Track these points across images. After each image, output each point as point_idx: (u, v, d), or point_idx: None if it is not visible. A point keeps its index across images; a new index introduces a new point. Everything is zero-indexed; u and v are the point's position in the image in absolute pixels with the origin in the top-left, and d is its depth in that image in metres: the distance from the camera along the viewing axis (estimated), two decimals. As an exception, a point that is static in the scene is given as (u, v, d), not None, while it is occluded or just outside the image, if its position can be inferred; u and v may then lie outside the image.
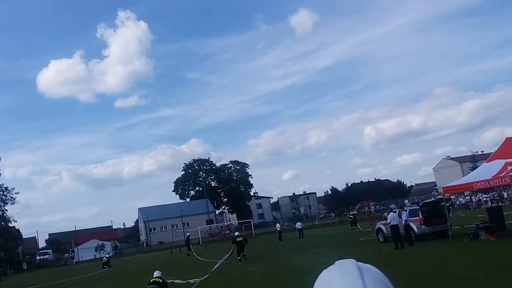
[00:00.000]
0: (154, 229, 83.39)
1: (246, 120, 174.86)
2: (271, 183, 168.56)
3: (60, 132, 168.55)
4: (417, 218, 21.07)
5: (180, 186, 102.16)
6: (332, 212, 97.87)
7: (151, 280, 13.25)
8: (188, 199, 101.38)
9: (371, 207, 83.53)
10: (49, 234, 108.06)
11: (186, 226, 75.65)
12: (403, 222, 20.09)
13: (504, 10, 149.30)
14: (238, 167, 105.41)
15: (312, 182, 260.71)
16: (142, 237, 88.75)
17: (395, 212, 20.74)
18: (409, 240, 19.96)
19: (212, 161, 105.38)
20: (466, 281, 10.30)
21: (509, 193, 53.96)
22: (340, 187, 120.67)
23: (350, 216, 45.13)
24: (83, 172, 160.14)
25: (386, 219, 24.26)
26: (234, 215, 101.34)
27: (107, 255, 43.26)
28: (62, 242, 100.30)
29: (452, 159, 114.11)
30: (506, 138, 19.37)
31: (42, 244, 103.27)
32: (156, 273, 13.74)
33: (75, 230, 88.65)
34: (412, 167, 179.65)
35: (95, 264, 48.50)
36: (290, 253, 24.77)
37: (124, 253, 65.85)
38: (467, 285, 9.87)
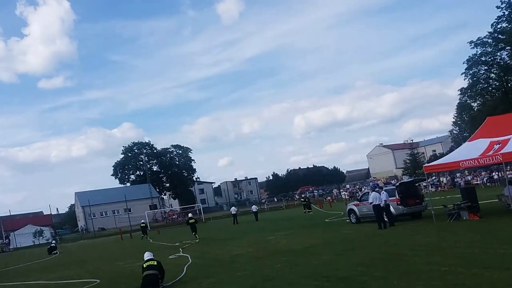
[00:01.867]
0: (94, 214, 79.68)
1: (180, 105, 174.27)
2: (207, 169, 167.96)
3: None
4: (394, 198, 21.26)
5: (120, 170, 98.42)
6: (275, 196, 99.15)
7: (146, 264, 11.95)
8: (128, 184, 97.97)
9: (314, 192, 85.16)
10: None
11: (129, 212, 73.38)
12: (383, 202, 20.25)
13: (415, 7, 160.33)
14: (180, 152, 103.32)
15: (246, 169, 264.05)
16: (81, 223, 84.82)
17: (377, 191, 20.77)
18: (390, 220, 20.17)
19: (153, 145, 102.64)
20: (504, 257, 10.36)
21: (448, 178, 56.62)
22: (273, 173, 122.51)
23: (303, 199, 45.26)
24: (6, 155, 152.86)
25: (359, 200, 24.58)
26: (176, 200, 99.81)
27: (53, 241, 40.75)
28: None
29: (385, 146, 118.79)
30: (488, 118, 19.95)
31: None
32: (149, 255, 12.59)
33: (5, 216, 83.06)
34: (339, 155, 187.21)
35: (37, 251, 45.87)
36: (264, 235, 24.29)
37: (65, 239, 62.62)
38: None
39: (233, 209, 45.00)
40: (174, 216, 68.63)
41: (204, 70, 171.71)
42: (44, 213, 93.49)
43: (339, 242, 17.22)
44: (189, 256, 18.45)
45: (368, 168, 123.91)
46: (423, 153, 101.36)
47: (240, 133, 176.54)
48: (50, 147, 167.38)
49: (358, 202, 24.18)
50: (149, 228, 52.68)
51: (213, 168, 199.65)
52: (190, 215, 32.79)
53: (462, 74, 53.45)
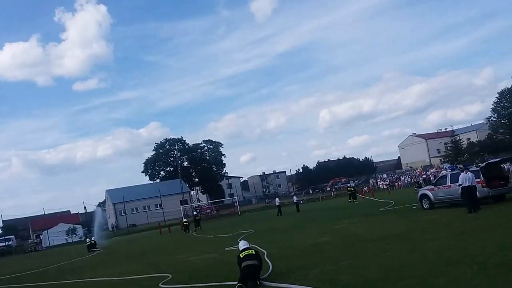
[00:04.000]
0: (125, 211, 78.58)
1: (208, 103, 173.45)
2: (229, 165, 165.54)
3: (13, 116, 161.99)
4: (478, 180, 19.21)
5: (150, 167, 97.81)
6: (308, 188, 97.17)
7: (244, 254, 10.26)
8: (157, 180, 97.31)
9: (351, 182, 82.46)
10: (3, 221, 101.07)
11: (160, 207, 72.62)
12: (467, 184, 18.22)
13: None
14: (211, 146, 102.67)
15: (269, 164, 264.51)
16: (111, 220, 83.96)
17: (465, 173, 18.61)
18: (474, 203, 18.09)
19: (185, 141, 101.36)
20: None
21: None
22: (294, 168, 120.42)
23: (349, 188, 43.30)
24: (35, 158, 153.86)
25: (434, 184, 22.52)
26: (205, 195, 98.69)
27: (93, 237, 39.39)
28: (19, 229, 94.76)
29: (418, 136, 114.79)
30: None
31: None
32: (245, 244, 10.97)
33: (33, 216, 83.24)
34: (362, 148, 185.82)
35: (74, 248, 44.71)
36: (327, 224, 22.46)
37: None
38: None
39: (277, 200, 43.43)
40: (208, 210, 67.82)
41: (234, 67, 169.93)
42: (71, 212, 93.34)
43: (433, 227, 15.38)
44: (258, 247, 16.45)
45: (399, 158, 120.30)
46: (452, 141, 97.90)
47: (265, 129, 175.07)
48: (77, 148, 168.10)
49: (432, 187, 22.26)
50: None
51: (235, 164, 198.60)
52: (194, 213, 42.37)
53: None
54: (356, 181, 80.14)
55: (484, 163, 21.12)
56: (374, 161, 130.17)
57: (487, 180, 19.42)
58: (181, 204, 74.44)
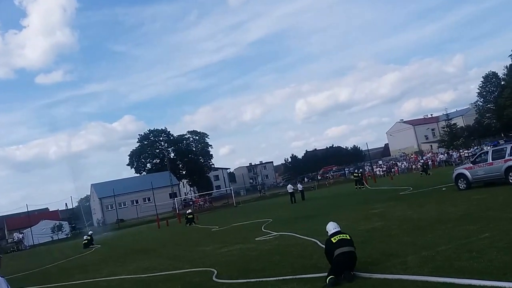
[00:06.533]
0: (113, 206, 75.01)
1: (181, 95, 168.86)
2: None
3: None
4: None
5: (136, 159, 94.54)
6: (305, 177, 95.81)
7: (336, 239, 8.41)
8: (144, 173, 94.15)
9: (346, 169, 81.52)
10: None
11: (148, 201, 70.21)
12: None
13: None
14: (197, 137, 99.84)
15: (248, 156, 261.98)
16: (97, 216, 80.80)
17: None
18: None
19: (169, 132, 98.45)
20: None
21: None
22: (292, 155, 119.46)
23: (355, 174, 41.82)
24: (3, 155, 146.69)
25: (472, 162, 20.80)
26: (193, 187, 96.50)
27: (89, 232, 36.66)
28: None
29: (406, 122, 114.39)
30: None
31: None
32: (335, 226, 8.86)
33: (9, 215, 79.94)
34: (340, 138, 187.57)
35: (64, 245, 42.68)
36: (360, 209, 20.49)
37: (85, 233, 58.88)
38: None
39: (290, 187, 40.70)
40: (201, 203, 66.02)
41: (207, 57, 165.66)
42: (50, 210, 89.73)
43: (503, 205, 13.52)
44: (298, 235, 14.90)
45: (387, 145, 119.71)
46: (443, 127, 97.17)
47: (241, 121, 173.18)
48: (49, 144, 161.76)
49: (471, 165, 20.62)
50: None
51: (214, 157, 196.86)
52: (189, 211, 38.69)
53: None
54: (351, 169, 79.09)
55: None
56: (361, 149, 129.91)
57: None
58: (171, 197, 72.56)
